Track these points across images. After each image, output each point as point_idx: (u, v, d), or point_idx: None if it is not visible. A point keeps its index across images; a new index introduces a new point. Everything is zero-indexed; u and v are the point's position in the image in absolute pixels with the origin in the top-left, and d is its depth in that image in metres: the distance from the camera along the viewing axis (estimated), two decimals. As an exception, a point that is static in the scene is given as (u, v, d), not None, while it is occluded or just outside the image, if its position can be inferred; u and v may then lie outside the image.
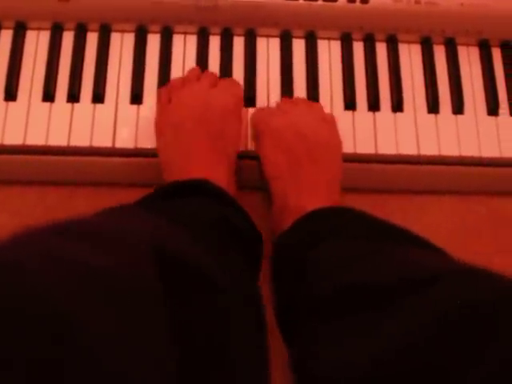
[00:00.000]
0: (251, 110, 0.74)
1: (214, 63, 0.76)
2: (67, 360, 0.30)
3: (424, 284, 0.44)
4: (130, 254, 0.40)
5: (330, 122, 0.72)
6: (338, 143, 0.71)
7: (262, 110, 0.74)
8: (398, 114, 0.75)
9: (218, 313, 0.45)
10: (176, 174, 0.65)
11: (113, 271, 0.36)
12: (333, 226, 0.59)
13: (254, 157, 0.72)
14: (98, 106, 0.73)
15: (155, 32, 0.77)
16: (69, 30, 0.77)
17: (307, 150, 0.67)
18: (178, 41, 0.78)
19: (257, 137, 0.71)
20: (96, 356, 0.31)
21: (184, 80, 0.72)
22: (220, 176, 0.64)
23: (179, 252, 0.45)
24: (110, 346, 0.32)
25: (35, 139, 0.71)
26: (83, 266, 0.36)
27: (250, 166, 0.72)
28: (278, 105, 0.73)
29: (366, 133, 0.73)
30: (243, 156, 0.72)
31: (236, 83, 0.74)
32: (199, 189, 0.61)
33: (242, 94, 0.73)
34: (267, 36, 0.78)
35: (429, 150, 0.73)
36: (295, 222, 0.61)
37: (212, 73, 0.74)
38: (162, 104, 0.70)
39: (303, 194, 0.65)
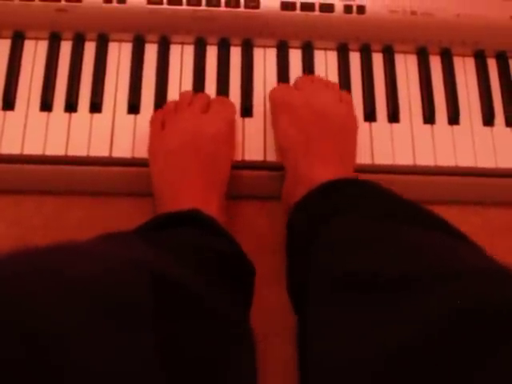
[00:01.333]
0: (247, 120, 0.74)
1: (210, 73, 0.77)
2: (49, 368, 0.30)
3: (442, 279, 0.43)
4: (121, 271, 0.40)
5: (346, 101, 0.73)
6: (353, 122, 0.72)
7: (280, 86, 0.75)
8: (394, 125, 0.75)
9: (205, 335, 0.46)
10: (168, 202, 0.65)
11: (102, 282, 0.37)
12: (346, 199, 0.59)
13: (249, 166, 0.73)
14: (96, 115, 0.73)
15: (152, 42, 0.78)
16: (67, 39, 0.77)
17: (321, 127, 0.68)
18: (175, 50, 0.78)
19: (272, 112, 0.72)
20: (80, 363, 0.31)
21: (176, 105, 0.72)
22: (211, 204, 0.65)
23: (170, 275, 0.46)
24: (97, 352, 0.33)
25: (33, 149, 0.71)
26: (70, 277, 0.36)
27: (245, 176, 0.73)
28: (296, 81, 0.74)
29: (362, 143, 0.74)
30: (239, 166, 0.72)
31: (228, 105, 0.73)
32: (191, 220, 0.61)
33: (234, 116, 0.73)
34: (264, 46, 0.79)
35: (425, 160, 0.74)
36: (308, 192, 0.62)
37: (203, 95, 0.74)
38: (156, 130, 0.70)
39: (315, 164, 0.65)
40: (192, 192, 0.65)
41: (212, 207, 0.64)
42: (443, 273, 0.44)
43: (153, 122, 0.71)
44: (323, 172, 0.63)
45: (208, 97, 0.74)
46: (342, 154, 0.67)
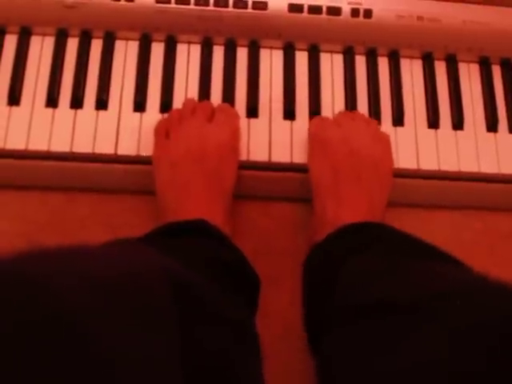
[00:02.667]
0: (253, 121, 0.74)
1: (217, 73, 0.77)
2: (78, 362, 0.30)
3: (446, 298, 0.45)
4: (141, 273, 0.40)
5: (384, 142, 0.72)
6: (388, 163, 0.71)
7: (318, 120, 0.73)
8: (399, 129, 0.76)
9: (216, 339, 0.47)
10: (172, 212, 0.65)
11: (125, 284, 0.37)
12: (362, 241, 0.60)
13: (253, 167, 0.73)
14: (101, 112, 0.74)
15: (159, 40, 0.78)
16: (73, 36, 0.77)
17: (354, 168, 0.67)
18: (181, 50, 0.78)
19: (309, 146, 0.72)
20: (106, 357, 0.32)
21: (180, 113, 0.71)
22: (216, 214, 0.65)
23: (184, 279, 0.46)
24: (122, 346, 0.33)
25: (38, 144, 0.71)
26: (94, 277, 0.36)
27: (249, 177, 0.73)
28: (336, 117, 0.74)
29: (367, 146, 0.74)
30: (244, 167, 0.72)
31: (232, 113, 0.73)
32: (196, 229, 0.61)
33: (238, 125, 0.72)
34: (270, 48, 0.79)
35: (428, 164, 0.74)
36: (328, 235, 0.62)
37: (207, 103, 0.73)
38: (160, 140, 0.70)
39: (343, 210, 0.65)
40: (197, 203, 0.65)
41: (217, 217, 0.64)
42: (453, 293, 0.46)
43: (157, 131, 0.71)
44: (348, 216, 0.64)
45: (212, 105, 0.73)
46: (372, 197, 0.67)
